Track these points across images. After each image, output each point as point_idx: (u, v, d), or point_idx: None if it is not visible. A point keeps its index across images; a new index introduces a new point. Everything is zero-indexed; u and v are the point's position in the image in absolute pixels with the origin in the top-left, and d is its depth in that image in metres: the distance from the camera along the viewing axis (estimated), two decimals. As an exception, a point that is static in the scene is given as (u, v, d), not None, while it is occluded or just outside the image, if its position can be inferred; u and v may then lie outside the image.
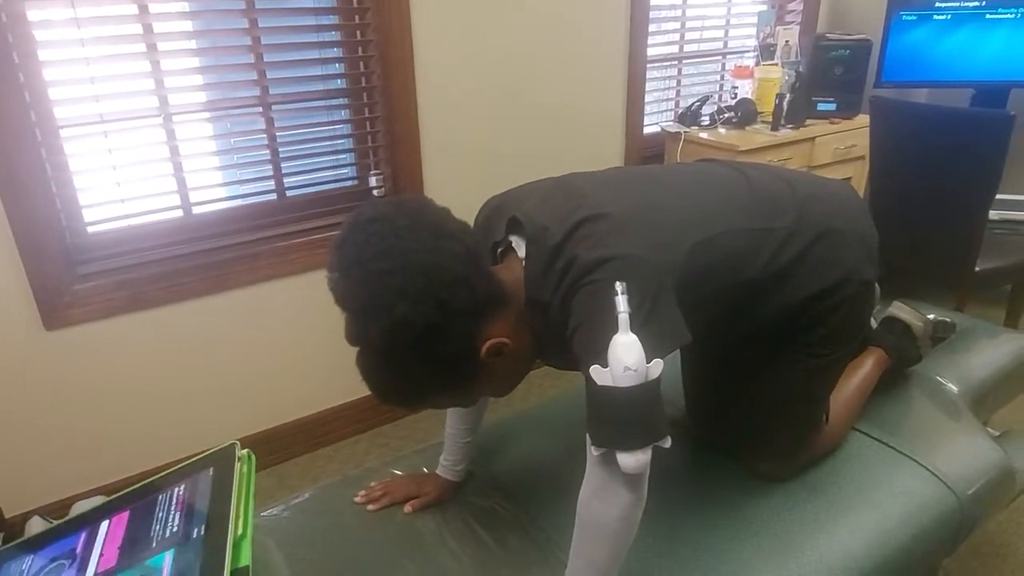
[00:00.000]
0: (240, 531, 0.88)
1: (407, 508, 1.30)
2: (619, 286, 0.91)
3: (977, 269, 2.35)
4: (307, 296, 2.16)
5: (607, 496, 0.95)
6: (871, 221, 1.26)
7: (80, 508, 1.13)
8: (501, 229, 1.09)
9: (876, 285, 1.27)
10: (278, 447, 2.24)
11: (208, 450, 1.04)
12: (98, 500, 1.16)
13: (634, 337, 0.89)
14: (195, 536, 0.89)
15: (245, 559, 0.85)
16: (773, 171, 1.28)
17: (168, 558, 0.87)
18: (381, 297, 0.90)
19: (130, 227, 1.93)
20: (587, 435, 0.95)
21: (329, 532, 1.27)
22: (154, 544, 0.91)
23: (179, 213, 1.99)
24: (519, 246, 1.06)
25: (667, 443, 0.93)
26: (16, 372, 1.80)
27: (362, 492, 1.33)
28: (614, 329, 0.89)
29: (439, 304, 0.91)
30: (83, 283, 1.82)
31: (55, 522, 1.10)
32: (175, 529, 0.92)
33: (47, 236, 1.74)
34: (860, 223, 1.24)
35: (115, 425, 1.96)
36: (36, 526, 1.68)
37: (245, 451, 1.01)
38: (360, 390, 1.02)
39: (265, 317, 2.12)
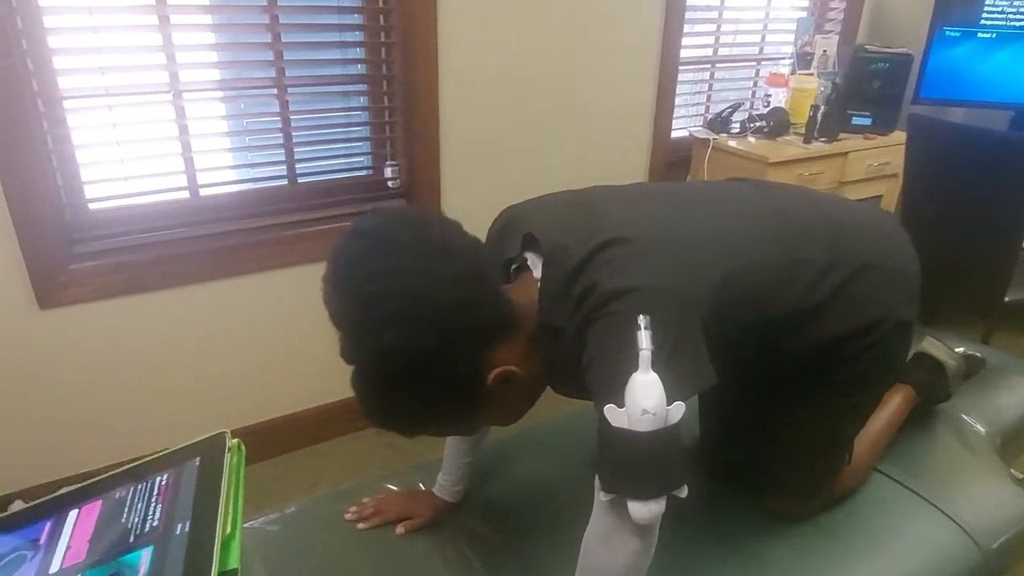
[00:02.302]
0: (228, 530, 0.81)
1: (399, 529, 1.23)
2: (642, 320, 0.83)
3: (1006, 299, 2.27)
4: (313, 287, 2.05)
5: (614, 543, 0.88)
6: (915, 255, 1.18)
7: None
8: (516, 244, 1.01)
9: (914, 325, 1.19)
10: (276, 440, 2.18)
11: (196, 439, 0.97)
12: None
13: (655, 377, 0.82)
14: (178, 533, 0.81)
15: (234, 561, 0.78)
16: (806, 195, 1.19)
17: (146, 556, 0.79)
18: (370, 321, 0.83)
19: (133, 206, 1.86)
20: (596, 477, 0.88)
21: (316, 550, 1.20)
22: (131, 539, 0.83)
23: (185, 194, 1.93)
24: (535, 265, 0.98)
25: (683, 492, 0.86)
26: (7, 351, 1.74)
27: (353, 508, 1.26)
28: (634, 367, 0.82)
29: (435, 331, 0.84)
30: (81, 262, 1.76)
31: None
32: (155, 523, 0.84)
33: (45, 212, 1.67)
34: (902, 258, 1.16)
35: (107, 409, 1.91)
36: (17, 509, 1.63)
37: (235, 441, 0.94)
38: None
39: (269, 306, 2.06)
